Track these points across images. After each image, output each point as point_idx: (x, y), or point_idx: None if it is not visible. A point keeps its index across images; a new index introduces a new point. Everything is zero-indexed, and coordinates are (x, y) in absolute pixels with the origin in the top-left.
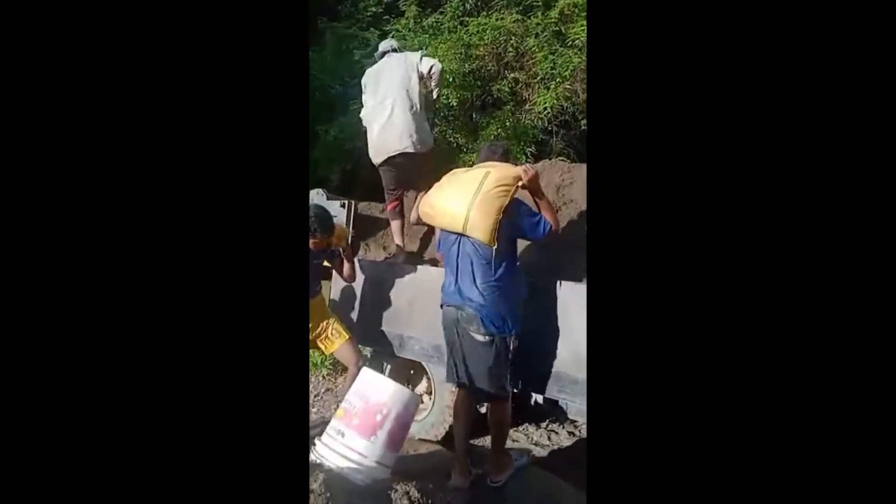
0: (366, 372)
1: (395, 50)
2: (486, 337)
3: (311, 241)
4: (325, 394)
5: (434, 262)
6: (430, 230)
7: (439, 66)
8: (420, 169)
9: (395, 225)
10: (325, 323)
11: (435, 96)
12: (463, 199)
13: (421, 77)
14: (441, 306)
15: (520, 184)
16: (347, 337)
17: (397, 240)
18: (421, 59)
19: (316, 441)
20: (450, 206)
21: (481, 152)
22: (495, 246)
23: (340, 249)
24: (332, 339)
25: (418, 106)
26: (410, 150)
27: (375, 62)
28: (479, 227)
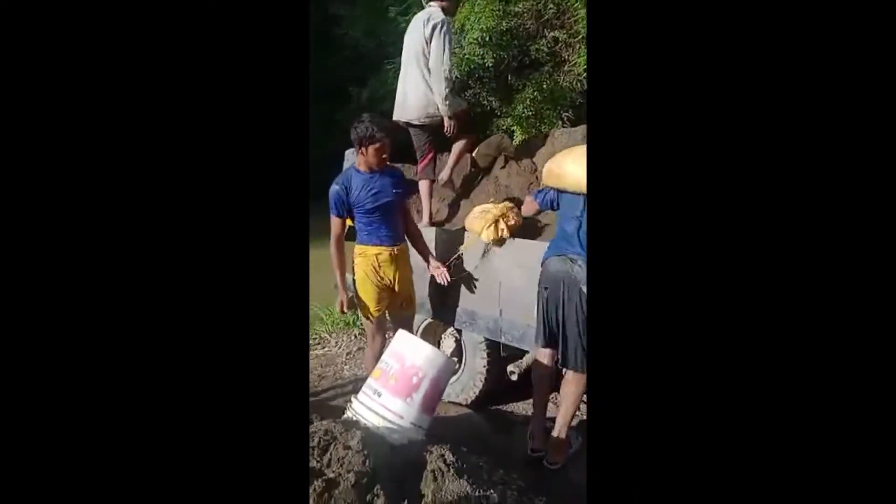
0: (402, 334)
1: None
2: None
3: (375, 154)
4: (358, 352)
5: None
6: (457, 199)
7: (438, 19)
8: (449, 131)
9: (422, 187)
10: (408, 280)
11: (445, 58)
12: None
13: (428, 41)
14: (544, 261)
15: None
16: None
17: (424, 203)
18: (428, 18)
19: (352, 398)
20: (579, 169)
21: None
22: None
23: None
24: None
25: (427, 73)
26: (426, 121)
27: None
28: None
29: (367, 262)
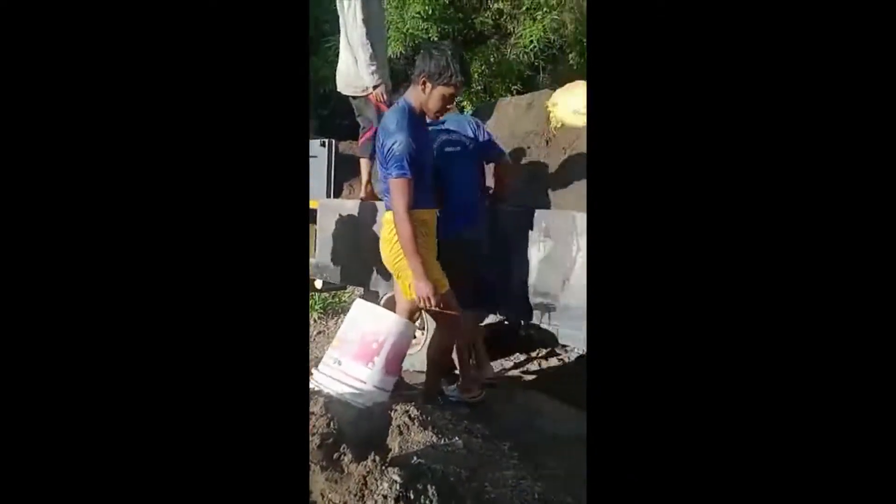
0: (360, 303)
1: None
2: None
3: (440, 100)
4: (318, 336)
5: None
6: None
7: None
8: (375, 102)
9: (361, 164)
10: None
11: (359, 24)
12: None
13: (345, 9)
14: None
15: None
16: (447, 288)
17: (364, 177)
18: None
19: (313, 370)
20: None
21: None
22: None
23: None
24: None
25: (350, 46)
26: (358, 93)
27: None
28: None
29: (425, 228)
